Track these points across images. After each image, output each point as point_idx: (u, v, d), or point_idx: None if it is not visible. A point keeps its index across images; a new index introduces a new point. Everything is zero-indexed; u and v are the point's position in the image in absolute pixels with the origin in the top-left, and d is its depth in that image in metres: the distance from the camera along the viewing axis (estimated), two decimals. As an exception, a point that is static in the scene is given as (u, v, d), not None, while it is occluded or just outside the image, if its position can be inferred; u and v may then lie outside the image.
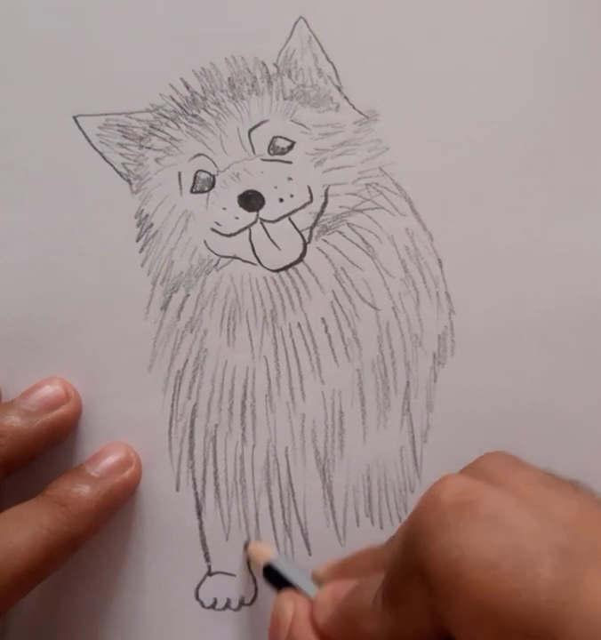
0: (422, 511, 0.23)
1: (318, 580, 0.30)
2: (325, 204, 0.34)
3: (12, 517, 0.30)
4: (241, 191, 0.33)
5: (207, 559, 0.33)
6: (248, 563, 0.33)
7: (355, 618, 0.25)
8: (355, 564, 0.29)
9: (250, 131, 0.34)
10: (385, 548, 0.28)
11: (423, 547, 0.22)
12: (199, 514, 0.33)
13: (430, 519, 0.22)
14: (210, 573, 0.33)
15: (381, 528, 0.34)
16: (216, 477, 0.34)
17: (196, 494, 0.33)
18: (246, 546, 0.33)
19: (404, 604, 0.23)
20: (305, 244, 0.34)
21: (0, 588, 0.28)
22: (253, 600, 0.34)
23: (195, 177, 0.34)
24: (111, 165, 0.34)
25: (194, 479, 0.33)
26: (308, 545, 0.34)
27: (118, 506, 0.32)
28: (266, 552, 0.32)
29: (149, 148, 0.34)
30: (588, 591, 0.20)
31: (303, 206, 0.34)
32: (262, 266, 0.34)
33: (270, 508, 0.34)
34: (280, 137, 0.34)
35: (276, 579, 0.31)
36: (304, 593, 0.29)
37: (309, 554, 0.34)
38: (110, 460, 0.32)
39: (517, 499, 0.22)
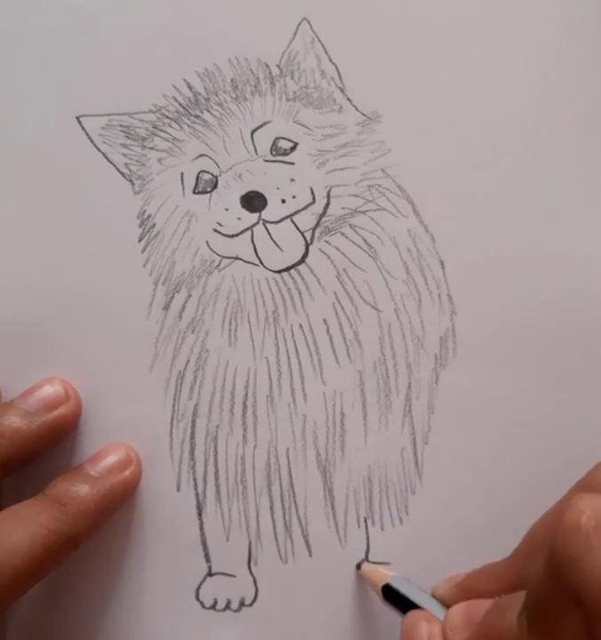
0: (565, 538, 0.23)
1: (440, 599, 0.30)
2: (328, 205, 0.34)
3: (11, 516, 0.30)
4: (243, 192, 0.33)
5: (208, 560, 0.33)
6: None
7: None
8: (479, 583, 0.29)
9: (252, 132, 0.34)
10: (508, 567, 0.28)
11: (575, 572, 0.22)
12: (200, 514, 0.33)
13: (577, 544, 0.22)
14: (210, 574, 0.33)
15: (382, 529, 0.34)
16: (217, 478, 0.34)
17: (197, 495, 0.33)
18: (359, 566, 0.33)
19: (553, 628, 0.23)
20: (307, 245, 0.34)
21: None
22: (254, 601, 0.34)
23: (197, 178, 0.34)
24: (114, 166, 0.34)
25: (195, 479, 0.33)
26: (308, 546, 0.34)
27: (118, 505, 0.32)
28: (383, 572, 0.32)
29: (152, 148, 0.34)
30: None
31: (305, 207, 0.34)
32: (264, 267, 0.34)
33: (271, 508, 0.34)
34: (283, 138, 0.34)
35: (396, 599, 0.31)
36: (430, 613, 0.29)
37: (310, 555, 0.34)
38: (110, 459, 0.32)
39: None
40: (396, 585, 0.31)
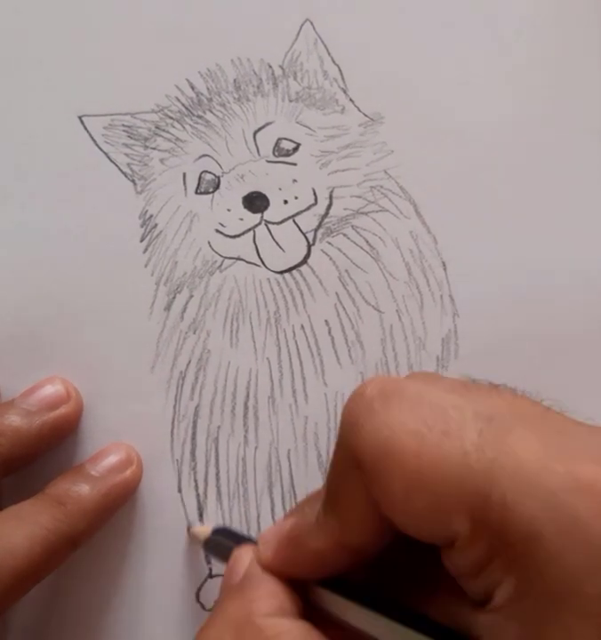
0: (349, 405, 0.23)
1: None
2: (330, 206, 0.34)
3: (11, 517, 0.30)
4: (246, 193, 0.33)
5: (208, 562, 0.33)
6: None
7: (301, 541, 0.25)
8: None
9: (255, 132, 0.34)
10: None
11: (354, 435, 0.22)
12: (201, 515, 0.33)
13: (358, 409, 0.23)
14: (211, 576, 0.33)
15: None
16: (218, 479, 0.33)
17: (198, 496, 0.33)
18: (189, 529, 0.33)
19: (343, 502, 0.23)
20: (309, 246, 0.34)
21: None
22: (254, 603, 0.33)
23: (199, 178, 0.34)
24: (116, 166, 0.34)
25: (196, 481, 0.33)
26: (309, 548, 0.33)
27: (118, 505, 0.32)
28: (206, 527, 0.32)
29: (154, 148, 0.34)
30: (516, 445, 0.20)
31: (308, 208, 0.34)
32: (266, 267, 0.34)
33: (272, 510, 0.33)
34: (285, 139, 0.34)
35: (222, 548, 0.30)
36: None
37: (311, 557, 0.33)
38: (111, 459, 0.32)
39: (440, 387, 0.23)
40: (221, 532, 0.31)
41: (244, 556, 0.27)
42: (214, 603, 0.32)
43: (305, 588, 0.25)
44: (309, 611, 0.25)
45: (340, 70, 0.34)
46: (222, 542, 0.30)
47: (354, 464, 0.22)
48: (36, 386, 0.32)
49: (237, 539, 0.30)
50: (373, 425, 0.22)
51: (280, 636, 0.23)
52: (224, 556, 0.29)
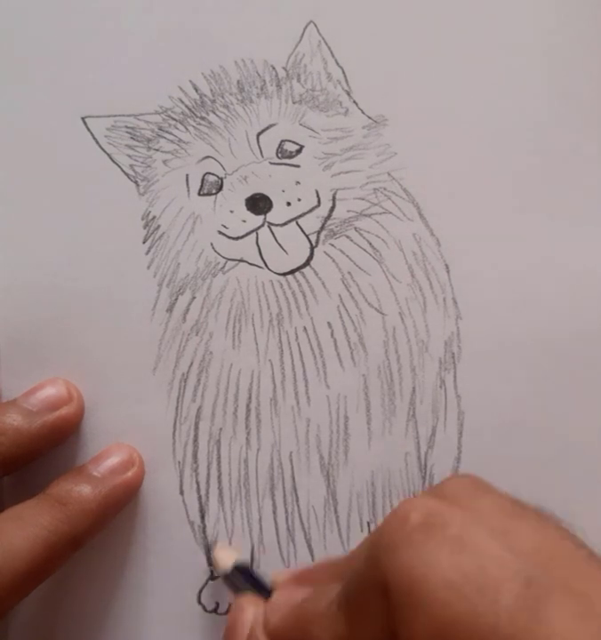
0: (390, 527, 0.23)
1: (277, 587, 0.30)
2: (333, 208, 0.34)
3: (12, 518, 0.30)
4: (249, 194, 0.33)
5: (210, 563, 0.33)
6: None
7: (307, 622, 0.25)
8: (314, 574, 0.29)
9: (258, 134, 0.34)
10: (345, 561, 0.28)
11: (389, 560, 0.22)
12: (202, 517, 0.33)
13: (398, 535, 0.22)
14: (212, 578, 0.33)
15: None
16: (220, 481, 0.33)
17: (200, 498, 0.33)
18: (212, 547, 0.33)
19: (360, 613, 0.23)
20: (312, 248, 0.34)
21: (0, 589, 0.28)
22: (256, 605, 0.33)
23: (202, 179, 0.34)
24: (119, 167, 0.34)
25: (197, 482, 0.33)
26: (311, 550, 0.33)
27: (120, 506, 0.32)
28: (230, 556, 0.32)
29: (157, 149, 0.34)
30: (549, 620, 0.20)
31: (311, 210, 0.33)
32: (269, 269, 0.33)
33: (274, 512, 0.33)
34: (288, 140, 0.34)
35: (236, 583, 0.31)
36: (260, 598, 0.29)
37: (313, 559, 0.33)
38: (113, 460, 0.32)
39: (484, 525, 0.23)
40: (240, 569, 0.31)
41: (247, 614, 0.28)
42: None
43: None
44: None
45: (343, 72, 0.34)
46: (237, 581, 0.31)
47: (380, 585, 0.22)
48: (38, 386, 0.32)
49: (252, 581, 0.30)
50: (410, 558, 0.22)
51: None
52: (235, 588, 0.30)
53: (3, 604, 0.29)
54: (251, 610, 0.28)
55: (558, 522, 0.24)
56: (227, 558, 0.32)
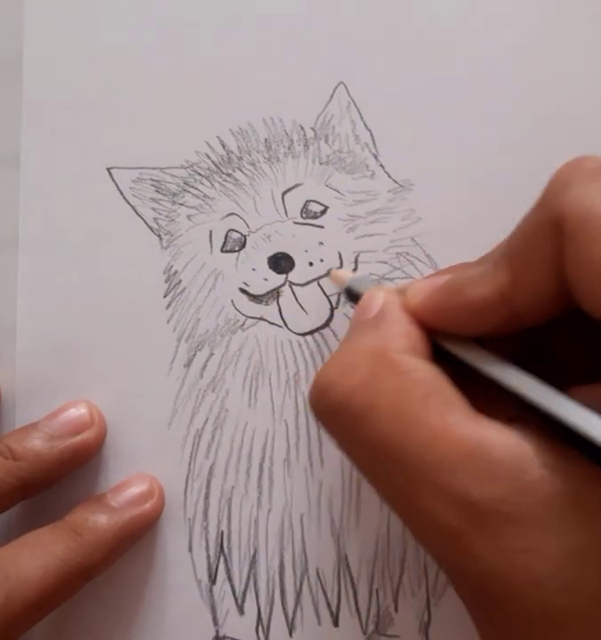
0: (565, 170, 0.23)
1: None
2: (355, 270, 0.33)
3: (26, 545, 0.30)
4: (271, 253, 0.33)
5: (215, 623, 0.33)
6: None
7: (459, 288, 0.24)
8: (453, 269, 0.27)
9: (284, 193, 0.33)
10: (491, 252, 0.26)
11: (566, 194, 0.22)
12: (210, 576, 0.33)
13: (575, 175, 0.22)
14: (218, 638, 0.33)
15: (395, 602, 0.33)
16: (229, 540, 0.33)
17: (209, 557, 0.33)
18: (329, 272, 0.33)
19: (524, 258, 0.23)
20: (332, 310, 0.33)
21: (10, 616, 0.28)
22: (260, 667, 0.33)
23: (226, 236, 0.33)
24: (142, 219, 0.34)
25: (207, 540, 0.33)
26: (317, 614, 0.33)
27: (136, 538, 0.32)
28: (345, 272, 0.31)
29: (182, 204, 0.34)
30: None
31: (333, 271, 0.33)
32: (288, 329, 0.33)
33: (281, 574, 0.33)
34: (313, 201, 0.34)
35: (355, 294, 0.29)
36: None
37: (319, 623, 0.33)
38: (133, 490, 0.32)
39: None
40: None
41: (377, 296, 0.26)
42: (341, 339, 0.31)
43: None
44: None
45: (371, 135, 0.34)
46: (359, 287, 0.29)
47: (552, 223, 0.22)
48: (61, 409, 0.32)
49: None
50: (587, 190, 0.21)
51: (412, 373, 0.23)
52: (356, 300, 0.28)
53: (13, 631, 0.28)
54: (382, 295, 0.26)
55: None
56: (343, 273, 0.31)
